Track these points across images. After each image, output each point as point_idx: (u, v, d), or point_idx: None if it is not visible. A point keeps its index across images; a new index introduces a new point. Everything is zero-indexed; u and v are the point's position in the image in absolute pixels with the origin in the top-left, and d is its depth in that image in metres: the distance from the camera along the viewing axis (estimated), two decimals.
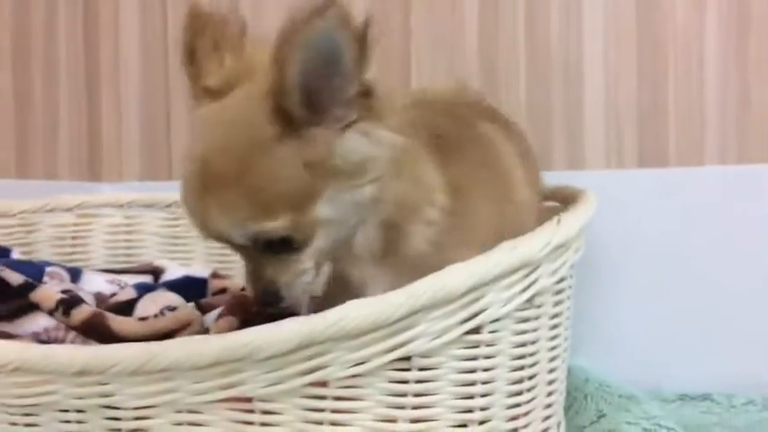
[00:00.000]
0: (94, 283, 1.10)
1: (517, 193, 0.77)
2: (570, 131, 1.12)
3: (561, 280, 0.72)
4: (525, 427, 0.69)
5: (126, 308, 0.88)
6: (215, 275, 1.16)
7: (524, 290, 0.65)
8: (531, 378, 0.69)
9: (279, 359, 0.58)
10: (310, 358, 0.59)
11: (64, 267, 1.06)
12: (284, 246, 0.62)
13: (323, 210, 0.61)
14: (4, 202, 1.12)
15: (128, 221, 1.22)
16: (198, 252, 1.23)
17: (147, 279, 1.16)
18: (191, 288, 1.07)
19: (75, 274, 1.08)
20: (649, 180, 1.06)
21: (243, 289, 1.07)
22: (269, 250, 0.62)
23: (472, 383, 0.64)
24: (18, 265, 0.93)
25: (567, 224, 0.68)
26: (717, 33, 1.05)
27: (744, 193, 1.02)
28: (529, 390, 0.69)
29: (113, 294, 1.08)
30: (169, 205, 1.23)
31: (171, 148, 1.36)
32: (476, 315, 0.62)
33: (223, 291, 1.11)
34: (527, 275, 0.65)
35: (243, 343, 0.57)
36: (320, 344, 0.58)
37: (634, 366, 1.03)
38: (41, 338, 0.75)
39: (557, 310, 0.72)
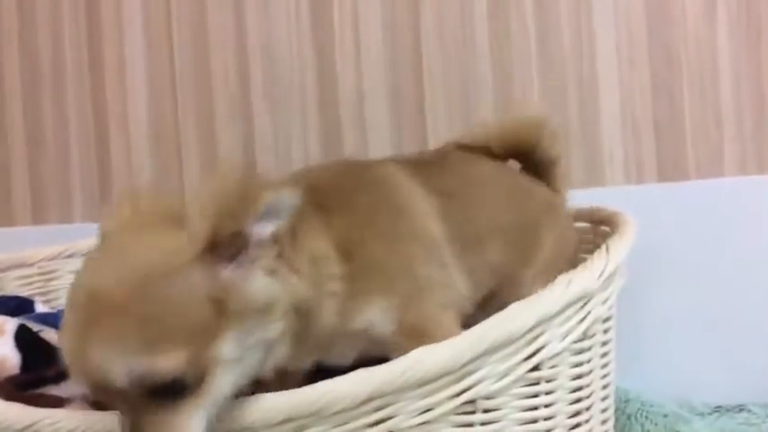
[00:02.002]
0: None
1: (422, 229, 0.72)
2: (587, 148, 1.13)
3: (611, 306, 0.72)
4: None
5: None
6: None
7: (580, 322, 0.65)
8: (588, 409, 0.69)
9: (347, 413, 0.58)
10: (379, 408, 0.58)
11: None
12: (173, 392, 0.51)
13: (225, 348, 0.53)
14: (22, 253, 1.11)
15: None
16: None
17: None
18: None
19: None
20: (670, 194, 1.07)
21: None
22: (153, 398, 0.51)
23: (535, 421, 0.64)
24: (48, 318, 0.92)
25: (616, 251, 0.68)
26: (729, 42, 1.06)
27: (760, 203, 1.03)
28: (587, 420, 0.69)
29: None
30: None
31: (183, 187, 1.35)
32: (536, 352, 0.62)
33: None
34: (582, 307, 0.65)
35: (314, 399, 0.57)
36: (389, 395, 0.57)
37: (666, 380, 1.03)
38: (89, 400, 0.74)
39: (606, 337, 0.73)
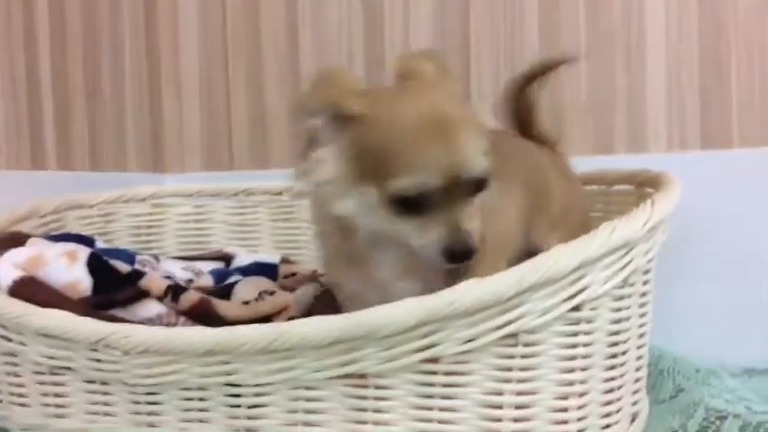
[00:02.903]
0: (173, 268, 1.14)
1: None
2: (632, 114, 1.14)
3: (651, 259, 0.74)
4: (618, 400, 0.72)
5: (226, 293, 0.91)
6: (284, 261, 1.20)
7: (621, 269, 0.68)
8: (624, 354, 0.71)
9: (396, 337, 0.62)
10: (425, 336, 0.62)
11: (148, 254, 1.10)
12: (480, 188, 0.69)
13: None
14: (83, 193, 1.16)
15: (197, 210, 1.26)
16: (265, 239, 1.27)
17: (220, 265, 1.20)
18: (262, 273, 1.11)
19: (156, 261, 1.12)
20: (713, 162, 1.08)
21: (313, 272, 1.12)
22: (468, 192, 0.69)
23: (573, 358, 0.66)
24: (111, 253, 0.97)
25: (661, 205, 0.70)
26: None
27: None
28: (622, 365, 0.71)
29: (190, 280, 1.12)
30: (236, 194, 1.26)
31: (231, 139, 1.39)
32: (578, 294, 0.65)
33: (293, 275, 1.15)
34: (624, 255, 0.68)
35: (362, 322, 0.61)
36: (436, 322, 0.61)
37: (699, 340, 1.05)
38: (155, 324, 0.79)
39: (646, 288, 0.75)
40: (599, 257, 0.65)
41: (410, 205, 0.67)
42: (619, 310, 0.70)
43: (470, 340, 0.63)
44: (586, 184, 1.02)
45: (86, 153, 1.30)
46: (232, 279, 1.08)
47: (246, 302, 0.86)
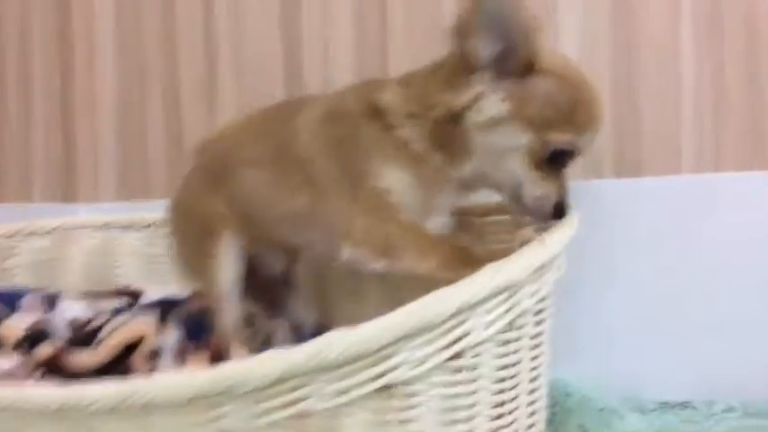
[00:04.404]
0: (72, 309, 1.08)
1: None
2: None
3: (542, 299, 0.72)
4: None
5: (90, 337, 0.87)
6: (194, 295, 1.15)
7: (506, 312, 0.65)
8: (512, 400, 0.69)
9: (259, 393, 0.58)
10: (292, 390, 0.58)
11: (41, 294, 1.04)
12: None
13: None
14: None
15: (106, 243, 1.21)
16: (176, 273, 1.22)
17: (125, 302, 1.14)
18: (168, 309, 1.06)
19: (52, 301, 1.07)
20: (626, 189, 1.07)
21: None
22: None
23: (455, 409, 0.63)
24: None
25: (551, 245, 0.68)
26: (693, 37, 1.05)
27: (719, 201, 1.02)
28: (511, 412, 0.69)
29: (89, 320, 1.07)
30: (147, 226, 1.21)
31: (149, 168, 1.34)
32: (458, 341, 0.62)
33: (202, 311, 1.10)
34: (508, 298, 0.65)
35: (222, 377, 0.57)
36: (301, 376, 0.57)
37: (614, 375, 1.03)
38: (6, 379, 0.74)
39: (538, 329, 0.72)
40: (479, 302, 0.62)
41: (557, 160, 0.74)
42: (505, 355, 0.67)
43: (342, 393, 0.59)
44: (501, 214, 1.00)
45: None
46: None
47: (98, 344, 0.82)
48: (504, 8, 0.70)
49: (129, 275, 1.21)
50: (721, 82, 1.04)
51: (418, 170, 0.76)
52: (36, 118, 1.32)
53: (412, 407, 0.61)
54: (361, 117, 0.77)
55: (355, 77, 1.18)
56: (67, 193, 1.36)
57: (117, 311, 1.07)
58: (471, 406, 0.64)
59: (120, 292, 1.16)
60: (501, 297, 0.64)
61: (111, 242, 1.21)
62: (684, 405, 0.98)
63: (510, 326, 0.67)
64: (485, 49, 0.71)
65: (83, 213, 1.34)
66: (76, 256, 1.19)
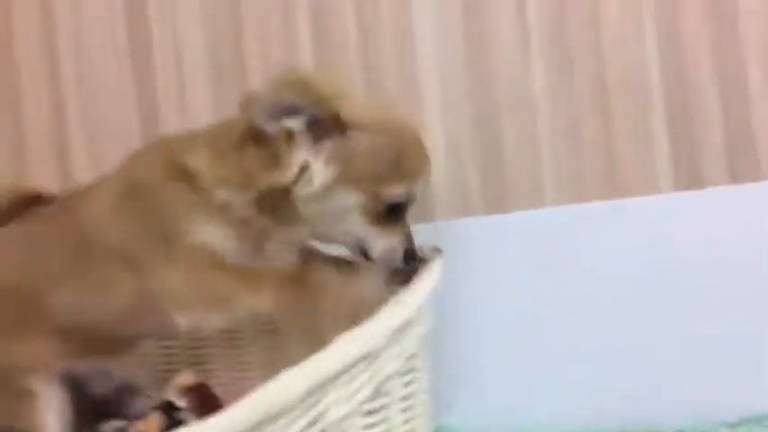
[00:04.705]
0: None
1: None
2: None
3: (411, 357, 0.69)
4: None
5: None
6: None
7: (368, 381, 0.61)
8: None
9: None
10: None
11: None
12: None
13: None
14: None
15: None
16: None
17: None
18: None
19: None
20: (495, 225, 1.07)
21: None
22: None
23: None
24: None
25: (407, 304, 0.65)
26: (544, 69, 1.07)
27: (581, 231, 1.03)
28: None
29: None
30: None
31: None
32: (317, 420, 0.57)
33: None
34: (369, 365, 0.61)
35: None
36: None
37: (509, 416, 1.02)
38: None
39: (409, 390, 0.69)
40: (337, 374, 0.58)
41: (393, 212, 0.74)
42: (373, 425, 0.63)
43: None
44: None
45: None
46: None
47: None
48: (287, 86, 0.69)
49: None
50: (574, 113, 1.06)
51: (239, 230, 0.73)
52: None
53: None
54: (166, 181, 0.73)
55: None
56: None
57: None
58: None
59: None
60: (360, 366, 0.60)
61: None
62: None
63: (377, 393, 0.63)
64: (287, 121, 0.69)
65: None
66: None
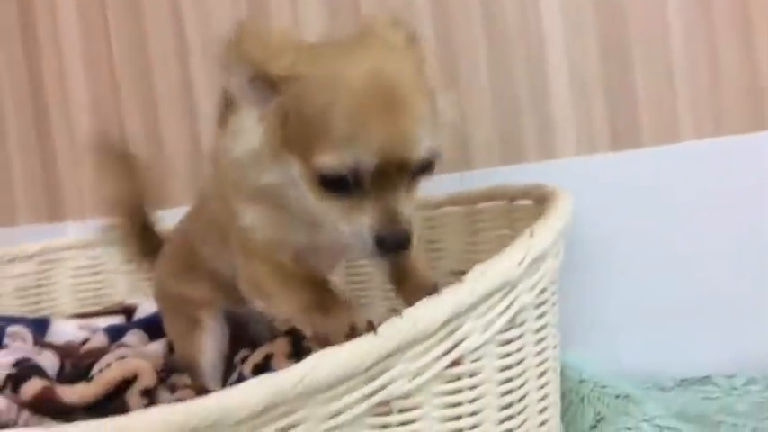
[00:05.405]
0: (64, 332, 1.06)
1: None
2: (539, 119, 1.08)
3: (543, 291, 0.68)
4: None
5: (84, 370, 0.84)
6: None
7: (504, 312, 0.62)
8: (521, 399, 0.65)
9: (249, 422, 0.54)
10: (282, 417, 0.54)
11: (28, 323, 1.01)
12: (425, 170, 0.60)
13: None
14: None
15: (93, 262, 1.18)
16: None
17: (119, 320, 1.11)
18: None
19: (41, 327, 1.04)
20: (623, 163, 1.03)
21: None
22: (410, 177, 0.60)
23: (458, 417, 0.60)
24: None
25: (542, 236, 0.64)
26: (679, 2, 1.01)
27: (718, 166, 0.98)
28: (520, 412, 0.65)
29: (85, 341, 1.04)
30: None
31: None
32: (454, 347, 0.58)
33: None
34: (505, 296, 0.61)
35: (208, 410, 0.53)
36: (289, 402, 0.54)
37: (632, 355, 1.00)
38: None
39: (541, 322, 0.69)
40: (473, 305, 0.58)
41: (338, 186, 0.58)
42: (508, 354, 0.64)
43: (335, 415, 0.55)
44: (489, 200, 0.96)
45: None
46: (124, 338, 1.00)
47: (90, 378, 0.79)
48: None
49: (119, 293, 1.18)
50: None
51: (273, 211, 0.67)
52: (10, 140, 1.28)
53: (414, 420, 0.58)
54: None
55: None
56: (53, 212, 1.33)
57: (111, 330, 1.05)
58: (477, 412, 0.61)
59: (113, 310, 1.13)
60: (496, 297, 0.60)
61: (99, 260, 1.18)
62: (704, 381, 0.94)
63: (511, 323, 0.63)
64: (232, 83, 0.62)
65: (70, 232, 1.31)
66: (64, 277, 1.16)
